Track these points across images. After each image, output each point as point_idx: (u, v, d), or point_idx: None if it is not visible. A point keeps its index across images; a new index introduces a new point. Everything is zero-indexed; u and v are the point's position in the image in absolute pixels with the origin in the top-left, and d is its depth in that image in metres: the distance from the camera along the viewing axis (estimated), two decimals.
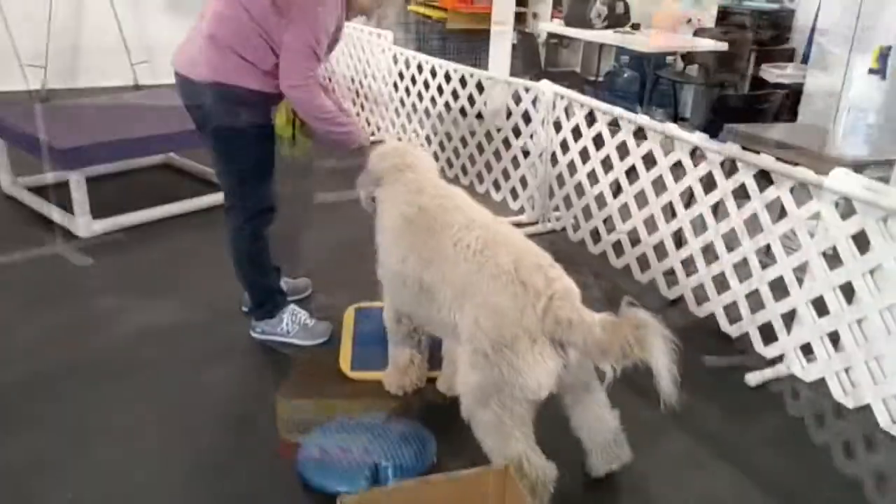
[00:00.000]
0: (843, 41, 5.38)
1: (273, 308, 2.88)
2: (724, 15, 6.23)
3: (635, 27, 5.80)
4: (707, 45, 5.62)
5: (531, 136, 3.96)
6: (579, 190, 3.77)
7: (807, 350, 2.71)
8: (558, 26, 5.98)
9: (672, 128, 3.11)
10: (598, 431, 2.13)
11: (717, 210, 2.99)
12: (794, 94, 5.54)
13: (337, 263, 3.59)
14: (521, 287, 1.88)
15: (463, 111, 4.52)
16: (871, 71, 2.74)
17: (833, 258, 2.57)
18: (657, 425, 2.39)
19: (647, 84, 5.76)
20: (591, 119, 3.63)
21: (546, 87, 3.79)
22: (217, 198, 4.12)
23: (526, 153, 4.04)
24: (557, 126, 3.82)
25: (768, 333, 2.84)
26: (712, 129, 3.22)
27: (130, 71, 6.72)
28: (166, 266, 3.52)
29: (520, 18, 6.08)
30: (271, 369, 2.76)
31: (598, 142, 3.57)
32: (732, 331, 2.94)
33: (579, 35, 5.78)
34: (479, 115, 4.42)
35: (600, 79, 6.42)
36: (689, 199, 3.09)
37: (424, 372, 2.60)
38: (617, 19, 5.71)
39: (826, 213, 2.51)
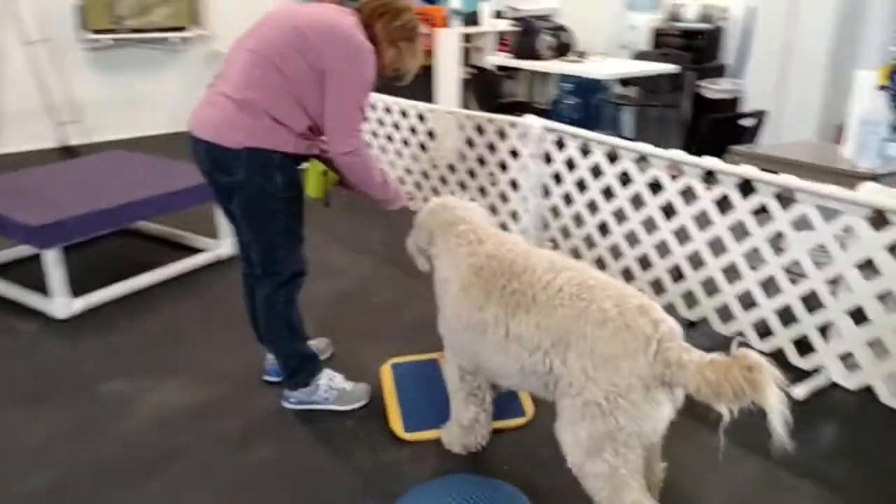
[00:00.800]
0: (778, 55, 5.75)
1: (308, 375, 2.72)
2: (657, 35, 6.47)
3: (582, 55, 5.92)
4: (665, 68, 5.78)
5: (522, 171, 3.94)
6: (578, 220, 3.78)
7: (844, 359, 2.78)
8: (507, 59, 6.05)
9: (680, 154, 3.15)
10: (648, 478, 2.07)
11: (734, 231, 3.04)
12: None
13: (346, 318, 3.45)
14: (628, 332, 1.82)
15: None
16: (882, 87, 2.86)
17: (864, 268, 2.65)
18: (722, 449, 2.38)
19: (592, 109, 5.88)
20: (582, 149, 3.64)
21: (534, 121, 3.79)
22: (196, 261, 3.95)
23: (515, 187, 4.03)
24: (547, 158, 3.82)
25: (802, 346, 2.89)
26: (706, 151, 3.27)
27: (57, 132, 6.33)
28: (163, 340, 3.26)
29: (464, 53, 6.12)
30: (321, 441, 2.58)
31: (596, 171, 3.59)
32: (764, 347, 2.98)
33: (531, 66, 5.85)
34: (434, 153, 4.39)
35: (547, 107, 6.52)
36: (705, 222, 3.12)
37: (489, 430, 2.51)
38: (563, 49, 5.82)
39: (858, 226, 2.59)
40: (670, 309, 2.71)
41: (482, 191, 4.30)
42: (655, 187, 3.30)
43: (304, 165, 2.57)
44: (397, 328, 3.37)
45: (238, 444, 2.56)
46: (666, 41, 6.51)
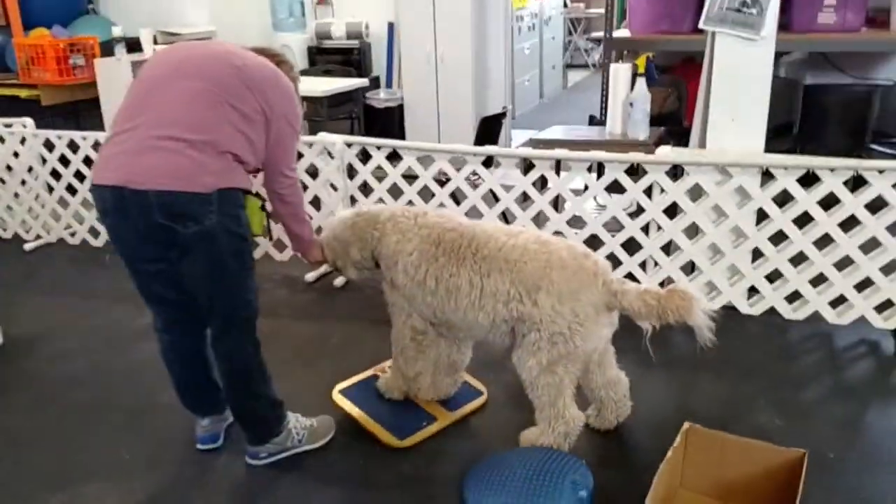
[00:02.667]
0: (426, 63, 6.60)
1: (279, 421, 2.58)
2: (319, 52, 6.87)
3: None
4: (354, 83, 6.14)
5: (324, 188, 4.02)
6: None
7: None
8: None
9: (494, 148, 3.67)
10: (616, 388, 2.66)
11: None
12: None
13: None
14: (582, 272, 2.35)
15: None
16: (640, 75, 3.74)
17: (669, 212, 3.52)
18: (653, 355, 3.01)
19: None
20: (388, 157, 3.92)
21: (334, 137, 3.91)
22: None
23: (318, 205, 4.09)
24: (350, 172, 3.99)
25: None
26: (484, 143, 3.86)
27: None
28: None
29: None
30: (333, 485, 2.49)
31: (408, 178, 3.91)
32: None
33: None
34: None
35: None
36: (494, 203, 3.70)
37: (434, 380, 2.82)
38: None
39: (661, 179, 3.44)
40: None
41: None
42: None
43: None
44: (322, 355, 3.34)
45: None
46: (322, 59, 6.94)
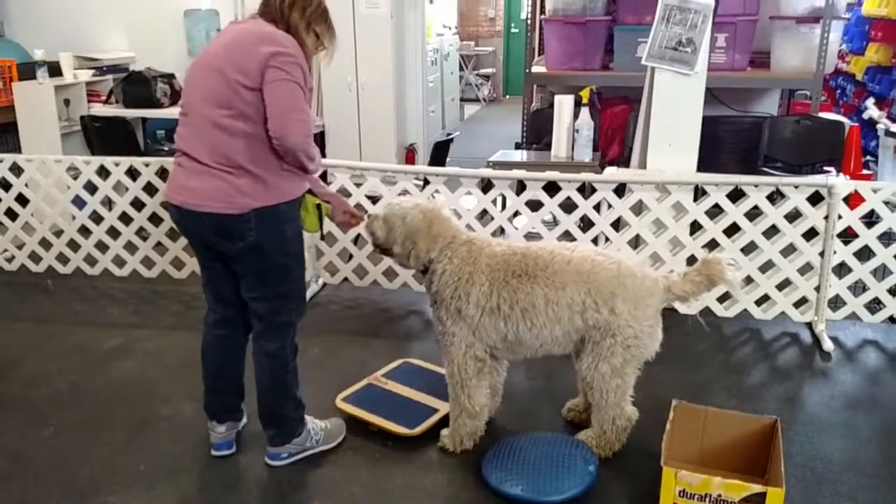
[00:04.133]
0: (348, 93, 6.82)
1: (300, 423, 2.74)
2: None
3: None
4: None
5: None
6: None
7: None
8: (118, 108, 5.73)
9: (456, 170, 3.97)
10: None
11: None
12: None
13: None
14: (647, 279, 2.63)
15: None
16: (584, 104, 4.16)
17: (616, 225, 3.93)
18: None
19: None
20: None
21: None
22: None
23: None
24: None
25: None
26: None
27: None
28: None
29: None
30: (359, 475, 2.67)
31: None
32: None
33: (153, 114, 5.73)
34: None
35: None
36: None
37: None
38: (176, 96, 5.82)
39: (609, 197, 3.85)
40: None
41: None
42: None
43: None
44: (304, 366, 3.38)
45: None
46: None
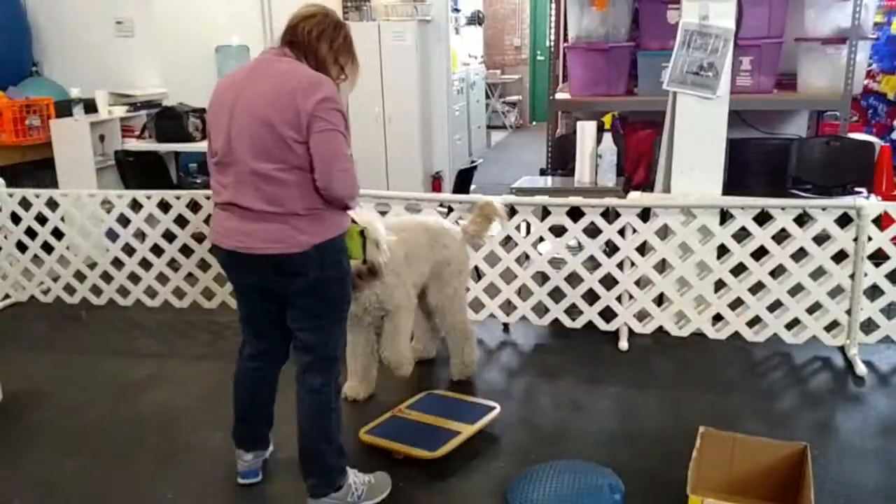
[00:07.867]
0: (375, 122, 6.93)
1: (341, 474, 2.61)
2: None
3: None
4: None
5: None
6: None
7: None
8: (151, 143, 5.88)
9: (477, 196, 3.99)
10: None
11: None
12: None
13: None
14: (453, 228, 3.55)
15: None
16: (607, 130, 4.17)
17: (641, 249, 3.91)
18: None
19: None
20: None
21: None
22: None
23: None
24: None
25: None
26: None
27: None
28: None
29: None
30: None
31: None
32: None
33: (185, 148, 5.87)
34: None
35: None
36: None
37: None
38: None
39: (634, 221, 3.83)
40: None
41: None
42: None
43: None
44: None
45: None
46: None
